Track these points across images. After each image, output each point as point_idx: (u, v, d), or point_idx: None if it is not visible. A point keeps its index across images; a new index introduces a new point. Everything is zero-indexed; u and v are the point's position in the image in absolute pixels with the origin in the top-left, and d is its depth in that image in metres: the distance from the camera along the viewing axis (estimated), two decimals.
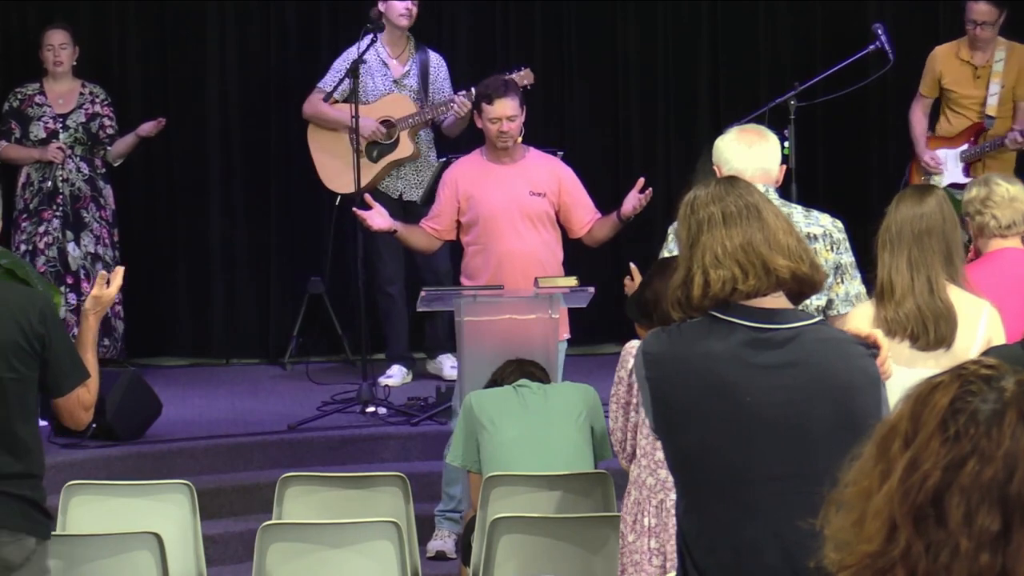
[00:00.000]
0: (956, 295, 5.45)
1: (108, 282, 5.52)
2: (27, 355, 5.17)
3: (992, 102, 9.41)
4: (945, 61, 9.53)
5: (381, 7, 9.40)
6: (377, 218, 7.93)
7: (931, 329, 5.37)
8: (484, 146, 7.94)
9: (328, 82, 9.47)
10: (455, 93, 9.31)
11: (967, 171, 9.28)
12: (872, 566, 2.23)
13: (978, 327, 5.45)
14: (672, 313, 3.81)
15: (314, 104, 9.50)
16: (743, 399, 3.60)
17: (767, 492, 3.60)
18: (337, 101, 9.43)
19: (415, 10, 9.42)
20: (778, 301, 3.69)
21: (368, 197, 8.08)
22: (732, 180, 3.88)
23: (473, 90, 9.06)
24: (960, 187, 7.97)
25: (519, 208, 7.79)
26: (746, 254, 3.67)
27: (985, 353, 4.31)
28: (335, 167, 9.48)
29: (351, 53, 9.33)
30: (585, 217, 7.91)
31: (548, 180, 7.86)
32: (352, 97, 9.09)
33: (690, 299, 3.69)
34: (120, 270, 5.56)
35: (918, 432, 2.24)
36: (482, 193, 7.81)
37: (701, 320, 3.70)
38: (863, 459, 2.31)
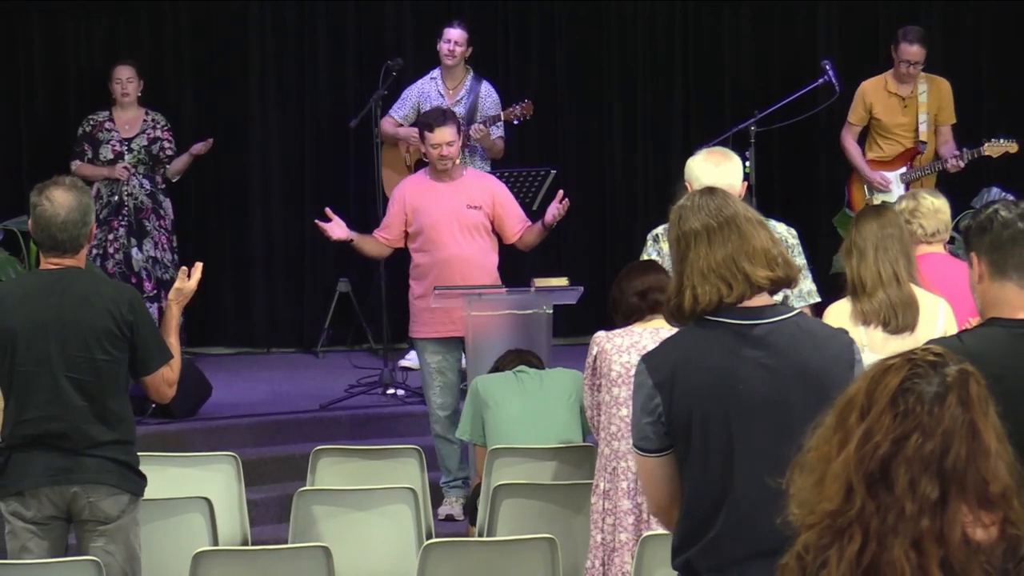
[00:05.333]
0: (916, 291, 5.47)
1: (188, 276, 5.53)
2: (118, 340, 5.22)
3: (923, 129, 9.40)
4: (874, 94, 9.49)
5: (438, 47, 9.43)
6: (336, 229, 7.89)
7: (900, 315, 5.40)
8: (428, 167, 7.94)
9: (395, 109, 9.50)
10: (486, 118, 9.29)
11: (908, 190, 9.27)
12: (832, 525, 2.23)
13: (937, 319, 5.47)
14: (667, 319, 3.78)
15: (383, 125, 9.50)
16: (737, 387, 3.56)
17: (756, 469, 3.55)
18: (401, 124, 9.42)
19: (459, 50, 9.40)
20: (760, 299, 3.64)
21: (328, 210, 7.95)
22: (712, 192, 3.78)
23: (484, 121, 9.10)
24: None
25: (457, 219, 7.77)
26: (729, 269, 3.59)
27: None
28: (393, 177, 9.50)
29: (416, 85, 9.44)
30: (516, 226, 7.89)
31: (483, 195, 7.85)
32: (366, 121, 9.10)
33: (682, 310, 3.64)
34: (199, 266, 5.56)
35: (872, 407, 2.24)
36: (426, 206, 7.80)
37: (692, 327, 3.66)
38: (823, 427, 2.30)
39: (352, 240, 7.94)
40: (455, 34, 9.42)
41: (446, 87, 9.47)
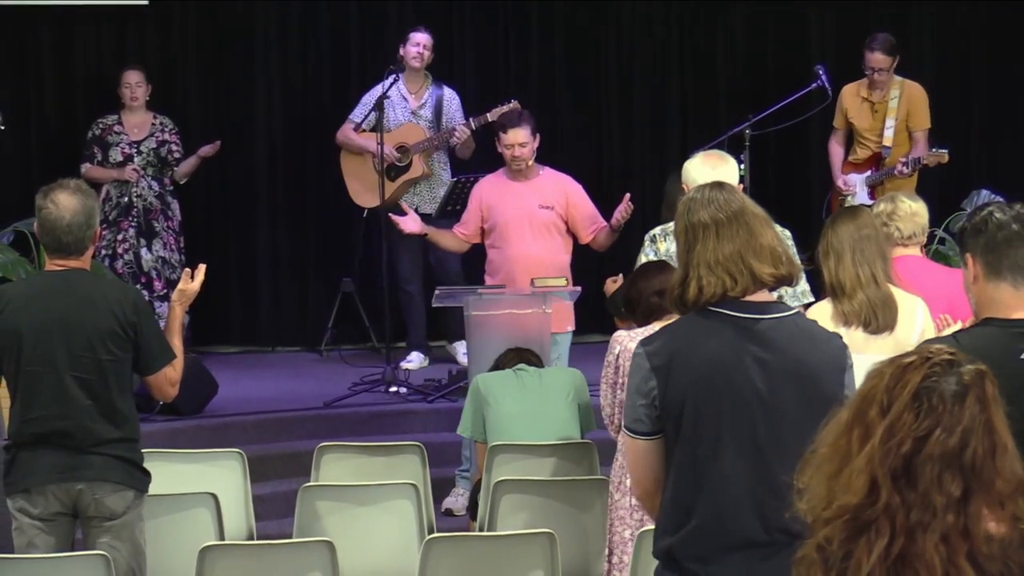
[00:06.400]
0: (893, 290, 5.43)
1: (192, 277, 5.50)
2: (122, 340, 5.22)
3: (888, 134, 9.36)
4: (849, 99, 9.47)
5: (401, 51, 9.42)
6: (410, 223, 8.08)
7: (879, 315, 5.37)
8: (506, 166, 8.00)
9: (357, 114, 9.48)
10: (464, 121, 9.30)
11: (871, 195, 9.23)
12: (856, 518, 2.22)
13: (916, 318, 5.45)
14: (670, 308, 3.75)
15: (345, 133, 9.54)
16: (732, 379, 3.54)
17: (743, 461, 3.52)
18: (364, 130, 9.39)
19: (427, 54, 9.44)
20: (761, 295, 3.63)
21: (404, 204, 8.22)
22: (720, 185, 3.75)
23: (472, 120, 9.12)
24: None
25: (528, 218, 7.86)
26: (736, 264, 3.59)
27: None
28: (360, 186, 9.51)
29: (376, 90, 9.33)
30: (589, 227, 7.97)
31: (557, 195, 7.93)
32: (377, 127, 9.09)
33: (685, 299, 3.63)
34: (202, 267, 5.54)
35: (893, 403, 2.24)
36: (499, 204, 7.92)
37: (693, 315, 3.63)
38: (835, 424, 2.30)
39: (427, 234, 8.12)
40: (423, 38, 9.43)
41: (408, 91, 9.47)
